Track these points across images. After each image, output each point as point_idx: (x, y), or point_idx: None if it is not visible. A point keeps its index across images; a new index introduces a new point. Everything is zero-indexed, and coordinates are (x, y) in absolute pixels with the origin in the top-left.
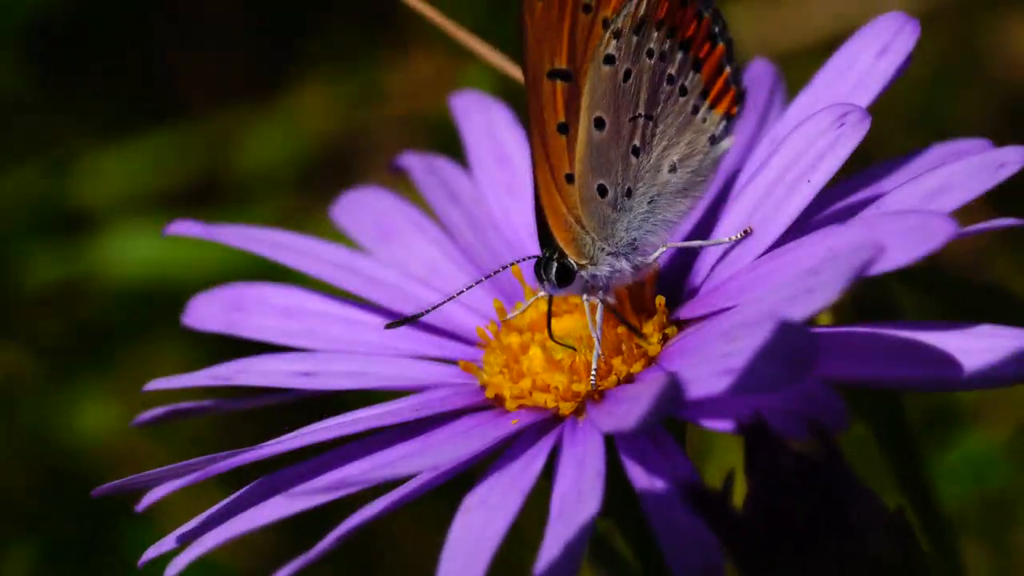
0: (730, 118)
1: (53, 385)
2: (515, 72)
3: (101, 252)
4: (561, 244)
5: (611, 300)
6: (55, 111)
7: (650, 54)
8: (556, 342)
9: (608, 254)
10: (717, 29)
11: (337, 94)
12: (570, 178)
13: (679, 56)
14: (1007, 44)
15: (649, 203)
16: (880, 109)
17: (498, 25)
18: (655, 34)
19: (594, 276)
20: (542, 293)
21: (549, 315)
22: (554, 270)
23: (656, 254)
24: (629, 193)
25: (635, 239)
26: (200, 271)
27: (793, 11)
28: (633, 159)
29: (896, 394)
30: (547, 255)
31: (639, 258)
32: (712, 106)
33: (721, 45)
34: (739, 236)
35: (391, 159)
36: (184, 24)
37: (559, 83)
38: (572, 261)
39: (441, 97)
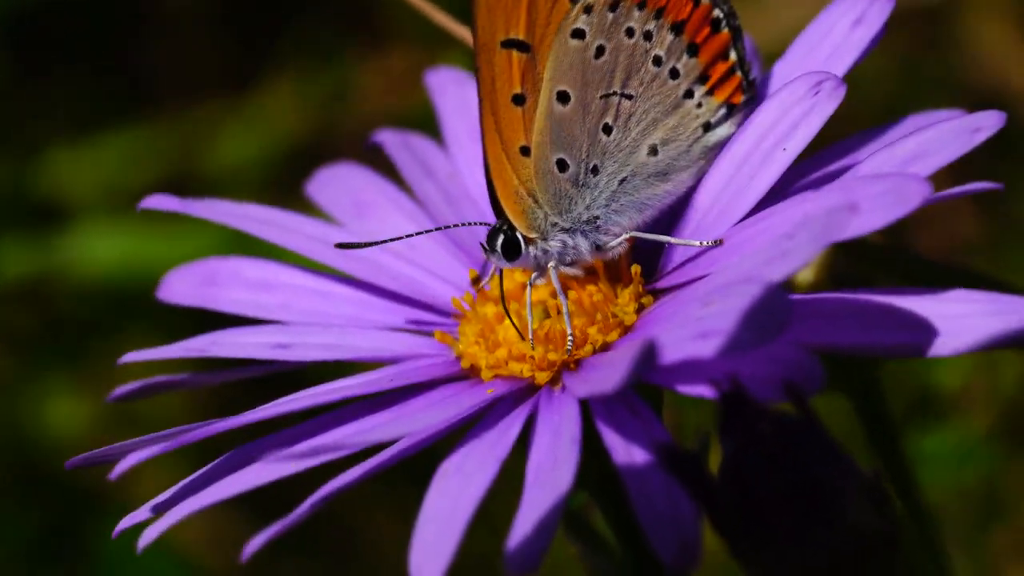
0: (732, 107)
1: (26, 380)
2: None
3: (74, 247)
4: (510, 216)
5: (573, 273)
6: (28, 106)
7: (630, 33)
8: (510, 319)
9: (561, 230)
10: (720, 14)
11: (311, 91)
12: (525, 150)
13: (669, 38)
14: (973, 44)
15: (620, 183)
16: (848, 108)
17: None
18: (637, 13)
19: (545, 252)
20: (492, 265)
21: (501, 281)
22: (500, 242)
23: (618, 240)
24: (595, 170)
25: (597, 217)
26: (172, 267)
27: (760, 11)
28: (603, 136)
29: (875, 376)
30: (497, 225)
31: (601, 237)
32: (711, 92)
33: (726, 32)
34: (710, 244)
35: (367, 140)
36: (158, 20)
37: (515, 53)
38: (521, 234)
39: (416, 94)
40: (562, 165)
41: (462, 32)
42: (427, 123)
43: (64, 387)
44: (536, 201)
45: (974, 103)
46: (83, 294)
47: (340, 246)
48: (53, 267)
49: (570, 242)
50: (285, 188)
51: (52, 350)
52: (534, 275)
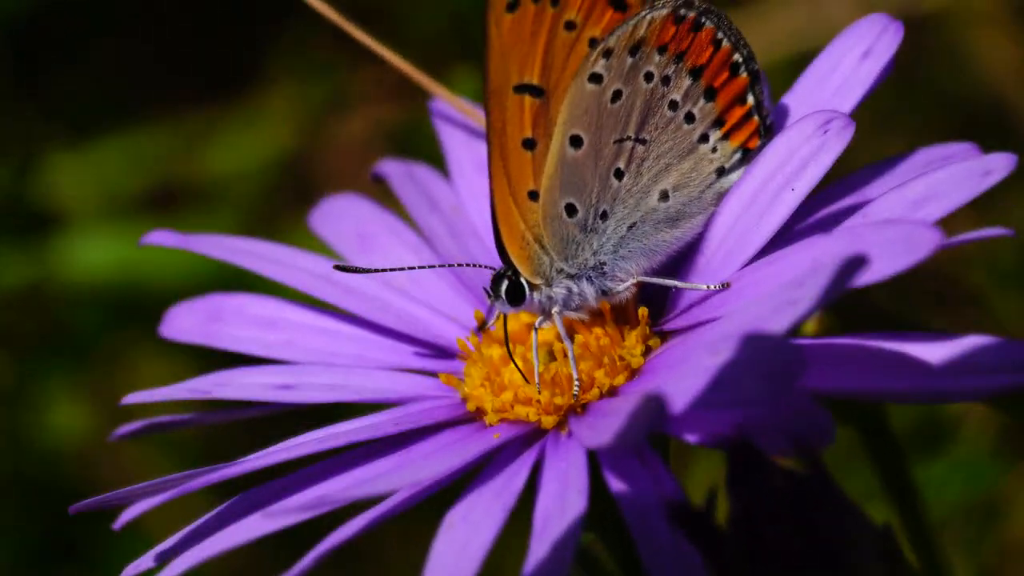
0: (747, 151)
1: (24, 388)
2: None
3: (71, 252)
4: (514, 261)
5: (578, 317)
6: (25, 110)
7: (648, 77)
8: (515, 363)
9: (567, 276)
10: (739, 58)
11: (307, 97)
12: (533, 195)
13: (687, 82)
14: (966, 54)
15: (629, 228)
16: None
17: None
18: (657, 58)
19: (549, 298)
20: (497, 310)
21: (505, 325)
22: (504, 287)
23: (625, 286)
24: (604, 215)
25: (603, 263)
26: (169, 274)
27: (754, 20)
28: (615, 181)
29: (879, 405)
30: (501, 271)
31: (607, 283)
32: (726, 136)
33: (744, 76)
34: (717, 287)
35: (364, 164)
36: (154, 24)
37: (527, 98)
38: (525, 280)
39: (410, 103)
40: (571, 210)
41: (367, 39)
42: (421, 132)
43: (63, 396)
44: (542, 247)
45: (966, 113)
46: (81, 300)
47: (338, 268)
48: (50, 273)
49: (575, 288)
50: (282, 191)
51: (51, 354)
52: (540, 319)
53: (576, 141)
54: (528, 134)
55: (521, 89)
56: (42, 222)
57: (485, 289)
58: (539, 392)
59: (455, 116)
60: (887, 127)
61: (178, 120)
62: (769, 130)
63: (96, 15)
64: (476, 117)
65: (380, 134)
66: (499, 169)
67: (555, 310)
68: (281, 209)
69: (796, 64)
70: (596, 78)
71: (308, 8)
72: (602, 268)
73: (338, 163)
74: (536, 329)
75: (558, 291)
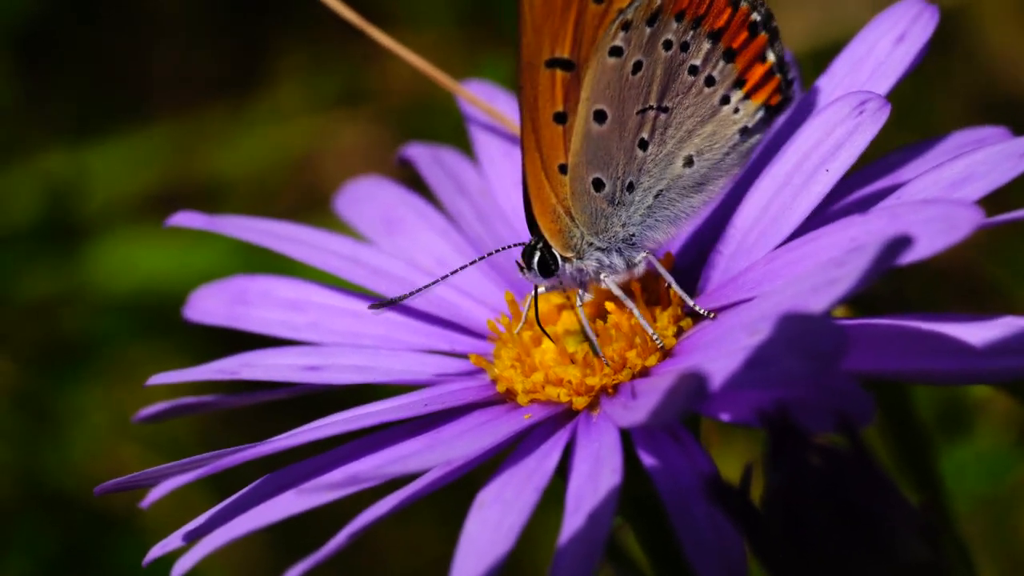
0: (770, 108)
1: (43, 397)
2: (433, 72)
3: (89, 262)
4: (546, 235)
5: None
6: (35, 118)
7: (667, 45)
8: (543, 331)
9: (596, 249)
10: (758, 17)
11: (314, 97)
12: (564, 169)
13: (706, 46)
14: (983, 48)
15: (656, 197)
16: None
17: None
18: (674, 25)
19: (580, 270)
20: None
21: (536, 303)
22: (536, 260)
23: (640, 257)
24: (631, 187)
25: (633, 235)
26: (189, 280)
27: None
28: (639, 152)
29: (904, 389)
30: (532, 243)
31: (635, 254)
32: (748, 96)
33: (763, 35)
34: (704, 312)
35: (373, 165)
36: (160, 26)
37: (559, 72)
38: (557, 252)
39: (421, 98)
40: (598, 184)
41: (384, 38)
42: (433, 126)
43: (83, 404)
44: (573, 220)
45: (984, 109)
46: (100, 310)
47: (374, 307)
48: (70, 283)
49: (606, 261)
50: (289, 195)
51: (70, 367)
52: (581, 293)
53: (600, 116)
54: (559, 108)
55: (552, 63)
56: (60, 231)
57: (517, 262)
58: (606, 367)
59: (483, 101)
60: (904, 124)
61: (184, 122)
62: (790, 85)
63: (103, 17)
64: (494, 111)
65: (388, 134)
66: (531, 143)
67: (603, 275)
68: (292, 210)
69: (810, 62)
70: (616, 51)
71: (315, 11)
72: (631, 240)
73: (346, 164)
74: (579, 306)
75: (589, 264)
